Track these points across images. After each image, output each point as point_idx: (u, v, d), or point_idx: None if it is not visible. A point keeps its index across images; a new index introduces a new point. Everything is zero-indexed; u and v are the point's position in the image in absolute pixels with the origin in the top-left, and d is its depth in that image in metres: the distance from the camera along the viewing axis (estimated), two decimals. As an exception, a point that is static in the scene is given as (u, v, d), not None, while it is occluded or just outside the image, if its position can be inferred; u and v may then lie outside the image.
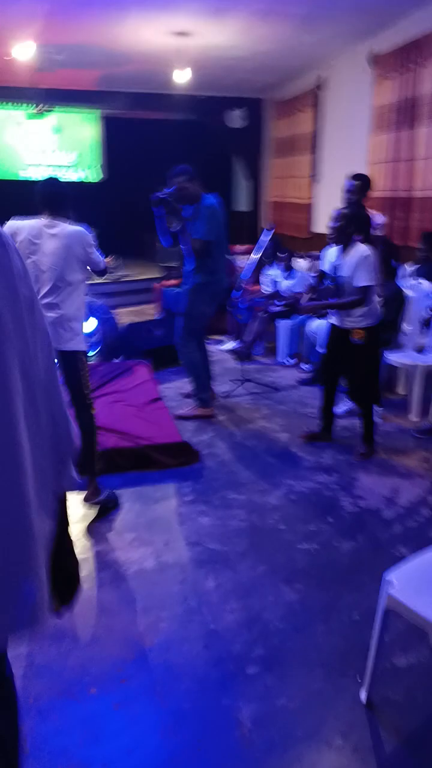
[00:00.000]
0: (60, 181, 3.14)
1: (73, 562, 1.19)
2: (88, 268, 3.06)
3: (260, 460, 3.58)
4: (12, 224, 3.00)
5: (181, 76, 8.26)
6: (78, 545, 2.67)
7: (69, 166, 11.31)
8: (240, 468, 3.44)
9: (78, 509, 3.01)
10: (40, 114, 9.45)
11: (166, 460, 3.43)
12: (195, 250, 3.94)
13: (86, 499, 3.01)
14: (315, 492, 3.16)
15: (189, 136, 10.85)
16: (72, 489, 1.11)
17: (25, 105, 9.75)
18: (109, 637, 2.10)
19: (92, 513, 2.96)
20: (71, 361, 2.99)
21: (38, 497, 0.95)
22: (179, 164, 4.03)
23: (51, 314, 2.94)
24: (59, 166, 11.13)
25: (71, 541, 1.18)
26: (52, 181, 3.12)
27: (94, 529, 2.82)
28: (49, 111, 9.30)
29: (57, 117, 10.66)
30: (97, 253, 3.09)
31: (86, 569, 2.49)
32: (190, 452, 3.51)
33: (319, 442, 3.75)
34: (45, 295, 2.96)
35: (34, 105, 9.17)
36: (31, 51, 7.52)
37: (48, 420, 0.99)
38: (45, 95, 9.32)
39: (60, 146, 11.16)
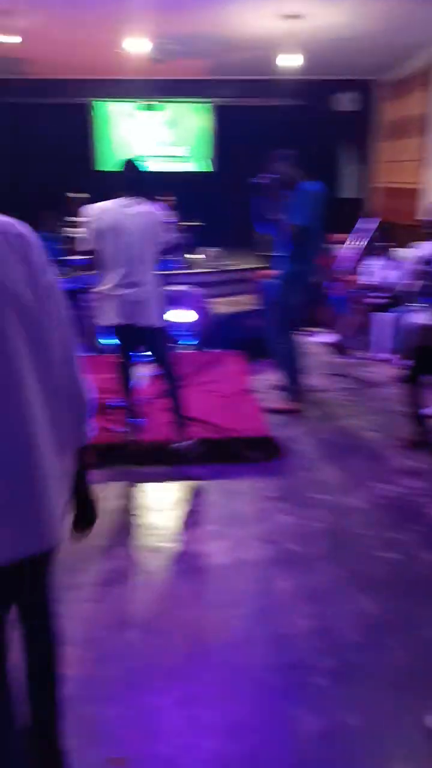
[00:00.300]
0: (137, 164, 3.24)
1: (90, 496, 1.49)
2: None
3: (347, 459, 3.44)
4: (92, 207, 3.15)
5: (289, 60, 8.07)
6: (156, 533, 2.73)
7: (181, 158, 11.50)
8: (325, 466, 3.34)
9: (157, 498, 3.07)
10: (152, 107, 9.64)
11: (251, 453, 3.39)
12: (288, 236, 3.85)
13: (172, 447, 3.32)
14: (401, 497, 3.00)
15: (296, 122, 10.62)
16: (86, 441, 1.35)
17: (137, 98, 10.00)
18: (178, 630, 2.11)
19: (169, 502, 3.00)
20: (154, 336, 3.24)
21: (57, 443, 1.22)
22: (281, 150, 3.96)
23: (131, 292, 3.11)
24: (171, 157, 11.34)
25: (88, 479, 1.45)
26: (130, 164, 3.22)
27: (172, 519, 2.85)
28: (161, 104, 9.46)
29: (169, 109, 10.84)
30: (171, 231, 3.21)
31: (162, 558, 2.53)
32: (276, 447, 3.45)
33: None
34: (125, 275, 3.10)
35: (147, 98, 9.38)
36: (143, 43, 7.68)
37: (65, 385, 1.23)
38: (157, 87, 9.51)
39: (172, 138, 11.36)
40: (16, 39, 7.15)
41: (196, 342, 5.36)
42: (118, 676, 1.92)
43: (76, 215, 9.40)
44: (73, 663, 1.95)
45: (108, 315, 3.20)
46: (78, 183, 10.15)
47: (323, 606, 2.21)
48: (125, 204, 3.11)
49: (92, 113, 11.10)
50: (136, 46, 7.78)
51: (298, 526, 2.74)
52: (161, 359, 3.35)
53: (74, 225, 8.42)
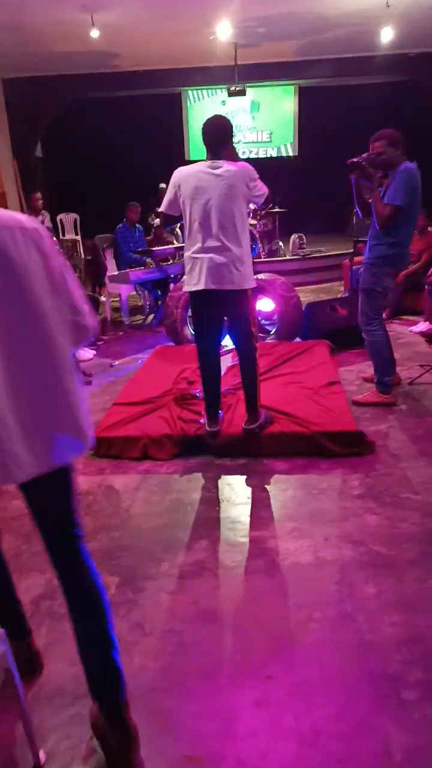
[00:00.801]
0: (221, 119, 3.16)
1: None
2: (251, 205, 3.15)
3: (443, 457, 3.21)
4: (179, 170, 3.13)
5: (388, 35, 7.67)
6: (236, 528, 2.67)
7: (265, 143, 11.32)
8: (418, 465, 3.13)
9: (238, 491, 3.00)
10: (240, 93, 9.52)
11: (337, 448, 3.25)
12: (380, 217, 3.63)
13: (244, 428, 3.30)
14: None
15: (395, 100, 10.12)
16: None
17: (225, 85, 9.91)
18: (257, 629, 2.04)
19: (250, 496, 2.93)
20: (238, 299, 3.16)
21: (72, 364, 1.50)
22: (382, 128, 3.74)
23: (219, 257, 3.07)
24: (256, 143, 11.20)
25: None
26: (213, 120, 3.14)
27: (253, 514, 2.78)
28: (246, 89, 9.31)
29: (254, 94, 10.68)
30: (260, 184, 3.13)
31: (241, 553, 2.47)
32: (364, 442, 3.28)
33: None
34: (213, 238, 3.06)
35: (235, 84, 9.26)
36: (231, 29, 7.57)
37: (70, 320, 1.49)
38: (245, 72, 9.37)
39: (256, 123, 11.21)
40: (103, 35, 7.27)
41: (280, 332, 5.24)
42: (197, 671, 1.88)
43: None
44: (151, 654, 1.95)
45: (194, 280, 3.15)
46: (171, 173, 10.31)
47: (412, 615, 2.05)
48: (210, 165, 3.05)
49: (183, 103, 11.16)
50: (224, 32, 7.70)
51: (386, 527, 2.58)
52: (243, 328, 3.22)
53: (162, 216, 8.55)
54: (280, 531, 2.60)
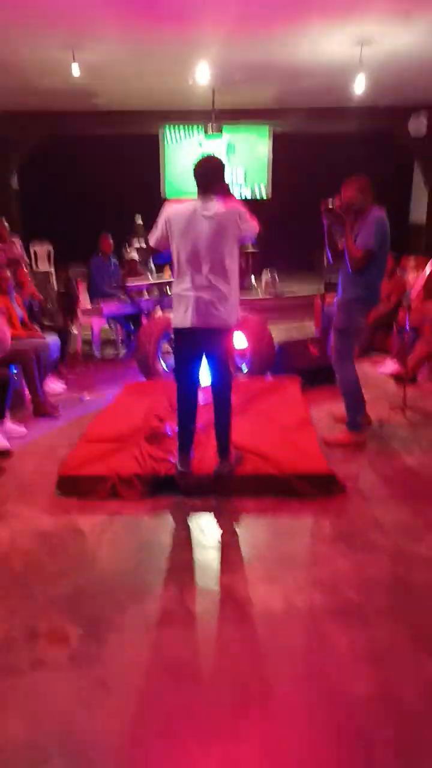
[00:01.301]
0: (213, 159, 3.19)
1: None
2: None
3: (413, 500, 3.20)
4: (169, 208, 3.15)
5: (360, 87, 7.99)
6: (206, 574, 2.60)
7: (239, 184, 11.56)
8: (390, 508, 3.12)
9: (207, 533, 2.94)
10: (216, 134, 9.75)
11: (308, 489, 3.22)
12: (353, 260, 3.71)
13: (216, 472, 3.29)
14: None
15: (367, 148, 10.50)
16: None
17: (201, 126, 10.16)
18: (226, 683, 1.96)
19: (219, 539, 2.87)
20: (221, 336, 3.19)
21: None
22: (353, 175, 3.86)
23: (206, 295, 3.10)
24: (230, 184, 11.42)
25: None
26: (205, 160, 3.17)
27: (224, 557, 2.71)
28: (223, 130, 9.56)
29: (231, 137, 10.96)
30: (251, 222, 3.16)
31: (210, 601, 2.40)
32: (336, 484, 3.26)
33: None
34: (201, 276, 3.08)
35: (210, 125, 9.50)
36: (209, 74, 7.80)
37: None
38: (222, 117, 9.63)
39: (231, 164, 11.46)
40: (84, 74, 7.41)
41: (253, 369, 5.24)
42: (162, 732, 1.78)
43: (141, 239, 9.54)
44: (114, 714, 1.85)
45: (181, 317, 3.16)
46: (147, 210, 10.43)
47: (383, 668, 2.00)
48: (201, 206, 3.07)
49: (161, 143, 11.37)
50: (203, 76, 7.92)
51: (357, 573, 2.54)
52: (222, 364, 3.25)
53: (139, 251, 8.59)
54: (251, 576, 2.54)
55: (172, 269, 3.28)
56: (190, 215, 3.07)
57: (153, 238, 3.23)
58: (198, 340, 3.20)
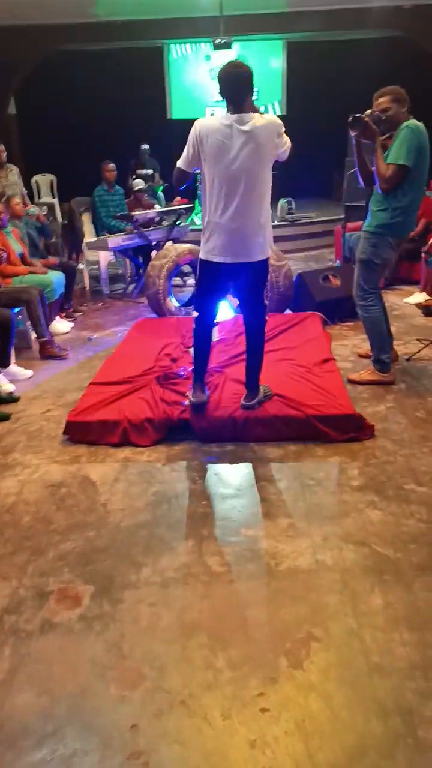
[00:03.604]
0: (243, 65, 2.78)
1: None
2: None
3: (448, 443, 2.97)
4: (200, 125, 2.79)
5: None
6: (226, 527, 2.42)
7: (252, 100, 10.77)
8: (421, 451, 2.88)
9: (226, 482, 2.74)
10: (226, 45, 8.92)
11: (333, 433, 3.00)
12: (382, 178, 3.29)
13: (243, 404, 3.13)
14: None
15: (389, 56, 9.60)
16: None
17: (210, 38, 9.31)
18: (251, 650, 1.79)
19: (239, 488, 2.67)
20: (260, 269, 2.98)
21: None
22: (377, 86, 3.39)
23: (245, 225, 2.83)
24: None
25: None
26: (234, 68, 2.76)
27: (244, 509, 2.52)
28: (232, 42, 8.72)
29: (241, 49, 10.09)
30: (286, 138, 2.87)
31: (230, 556, 2.21)
32: (364, 427, 3.02)
33: None
34: (239, 203, 2.80)
35: (220, 37, 8.68)
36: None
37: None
38: (231, 24, 8.77)
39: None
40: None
41: (270, 304, 4.92)
42: (182, 703, 1.63)
43: (147, 167, 9.02)
44: (129, 681, 1.71)
45: (216, 250, 2.89)
46: (152, 132, 9.76)
47: (425, 632, 1.82)
48: (237, 119, 2.72)
49: (165, 57, 10.54)
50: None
51: (390, 525, 2.34)
52: (258, 298, 3.06)
53: (144, 178, 8.08)
54: (274, 529, 2.35)
55: (202, 193, 2.93)
56: (225, 130, 2.72)
57: (182, 160, 2.86)
58: (232, 275, 2.98)
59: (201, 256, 2.99)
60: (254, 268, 2.96)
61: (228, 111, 2.77)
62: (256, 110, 2.83)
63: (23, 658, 1.83)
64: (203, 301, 3.13)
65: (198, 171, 2.91)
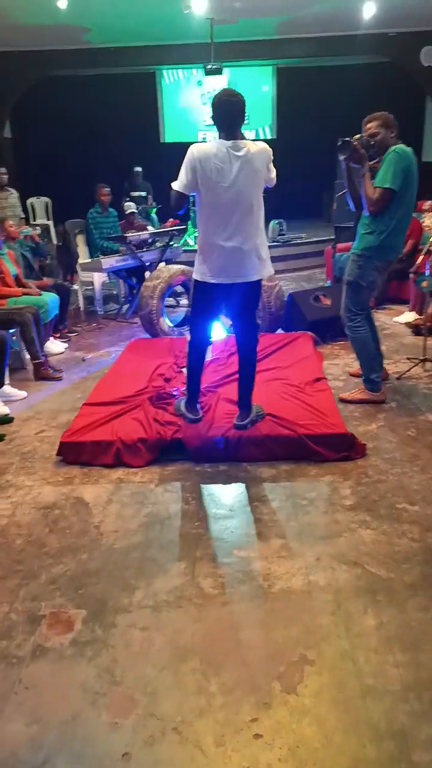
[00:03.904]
0: (238, 94, 2.86)
1: None
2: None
3: (440, 461, 2.99)
4: (197, 150, 2.83)
5: (370, 11, 7.36)
6: (219, 548, 2.41)
7: (243, 125, 10.95)
8: (414, 470, 2.90)
9: (219, 503, 2.74)
10: (217, 71, 9.10)
11: (325, 452, 3.01)
12: (369, 201, 3.35)
13: (236, 424, 3.12)
14: None
15: (376, 81, 9.82)
16: None
17: (201, 63, 9.50)
18: (244, 673, 1.78)
19: (231, 509, 2.67)
20: (255, 289, 3.05)
21: None
22: (364, 111, 3.46)
23: (242, 246, 2.89)
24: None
25: None
26: (229, 96, 2.83)
27: (237, 530, 2.52)
28: (222, 68, 8.90)
29: (232, 74, 10.30)
30: (273, 167, 2.95)
31: (223, 578, 2.21)
32: (355, 446, 3.04)
33: None
34: (234, 225, 2.86)
35: (211, 63, 8.85)
36: (207, 2, 7.20)
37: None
38: (222, 50, 8.96)
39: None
40: (71, 6, 6.85)
41: (262, 323, 4.95)
42: (174, 730, 1.62)
43: (140, 189, 9.11)
44: (122, 707, 1.69)
45: (212, 271, 2.93)
46: (145, 155, 9.89)
47: (420, 653, 1.82)
48: (232, 146, 2.79)
49: (157, 82, 10.73)
50: (199, 6, 7.31)
51: (382, 545, 2.34)
52: (251, 318, 3.11)
53: (137, 200, 8.17)
54: (267, 550, 2.35)
55: (198, 216, 2.97)
56: (222, 155, 2.78)
57: (180, 184, 2.89)
58: (228, 294, 3.02)
59: (196, 277, 3.02)
60: (248, 288, 3.01)
61: (220, 137, 2.84)
62: (243, 137, 2.90)
63: (14, 684, 1.81)
64: (198, 322, 3.16)
65: (193, 194, 2.96)
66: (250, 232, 2.89)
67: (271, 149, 2.92)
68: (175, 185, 2.90)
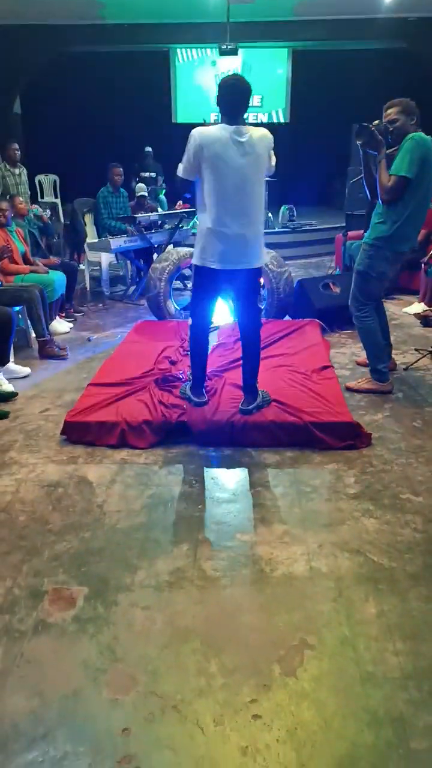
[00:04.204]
0: (245, 82, 2.86)
1: None
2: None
3: (445, 453, 2.98)
4: (200, 134, 2.81)
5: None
6: (221, 531, 2.42)
7: (256, 108, 10.82)
8: (418, 461, 2.89)
9: (223, 486, 2.74)
10: (232, 51, 8.95)
11: (330, 440, 3.00)
12: (383, 188, 3.30)
13: (242, 409, 3.13)
14: None
15: (392, 67, 9.67)
16: None
17: (216, 44, 9.36)
18: (244, 655, 1.79)
19: (235, 493, 2.67)
20: (256, 275, 3.06)
21: None
22: (388, 97, 3.41)
23: (244, 232, 2.88)
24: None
25: None
26: (236, 82, 2.83)
27: (240, 514, 2.52)
28: (238, 49, 8.76)
29: (246, 56, 10.15)
30: (273, 154, 2.97)
31: (225, 561, 2.21)
32: (361, 435, 3.03)
33: None
34: (237, 211, 2.85)
35: (226, 43, 8.72)
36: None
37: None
38: (237, 31, 8.82)
39: (248, 86, 10.68)
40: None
41: (270, 309, 4.93)
42: (174, 708, 1.63)
43: (150, 170, 9.04)
44: (122, 684, 1.70)
45: (214, 257, 2.91)
46: (157, 136, 9.77)
47: (421, 642, 1.82)
48: (234, 131, 2.78)
49: (171, 61, 10.59)
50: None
51: (386, 534, 2.34)
52: (253, 304, 3.10)
53: (146, 180, 8.09)
54: (270, 535, 2.35)
55: (199, 201, 2.95)
56: (224, 141, 2.77)
57: (183, 169, 2.90)
58: (228, 280, 3.02)
59: (196, 262, 3.01)
60: (252, 274, 3.01)
61: (223, 121, 2.83)
62: (246, 123, 2.90)
63: (16, 658, 1.82)
64: (199, 306, 3.16)
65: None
66: (253, 218, 2.88)
67: (272, 136, 2.90)
68: (179, 170, 2.91)
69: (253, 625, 1.91)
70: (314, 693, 1.66)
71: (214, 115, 10.57)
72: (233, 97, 2.80)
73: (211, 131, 2.80)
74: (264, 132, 2.87)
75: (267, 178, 3.00)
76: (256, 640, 1.85)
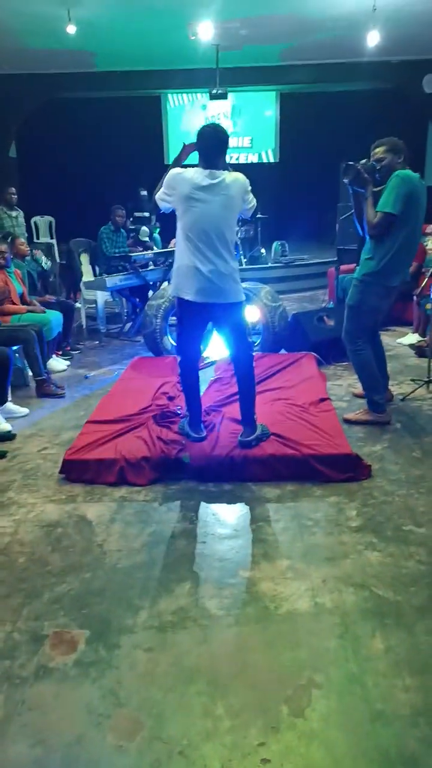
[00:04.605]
0: (222, 131, 3.02)
1: None
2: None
3: (445, 483, 2.98)
4: (176, 174, 2.98)
5: (373, 40, 7.51)
6: (224, 568, 2.39)
7: (246, 148, 11.12)
8: (420, 492, 2.89)
9: (224, 522, 2.72)
10: (221, 96, 9.26)
11: (331, 473, 3.00)
12: (369, 225, 3.38)
13: (240, 441, 3.15)
14: None
15: (379, 107, 10.00)
16: None
17: (206, 89, 9.68)
18: (251, 697, 1.76)
19: (236, 528, 2.66)
20: (238, 310, 3.11)
21: None
22: (376, 136, 3.53)
23: (217, 269, 2.96)
24: (237, 149, 10.99)
25: None
26: (213, 130, 3.00)
27: (242, 550, 2.50)
28: (227, 93, 9.05)
29: (236, 99, 10.48)
30: (251, 196, 3.08)
31: (228, 598, 2.19)
32: (361, 467, 3.03)
33: None
34: (209, 249, 2.94)
35: (216, 87, 9.02)
36: (213, 29, 7.36)
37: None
38: (227, 76, 9.13)
39: (238, 128, 11.01)
40: (80, 32, 7.00)
41: (265, 343, 4.98)
42: (181, 753, 1.59)
43: (145, 210, 9.22)
44: (127, 730, 1.66)
45: (190, 290, 3.00)
46: (149, 177, 10.01)
47: (427, 676, 1.79)
48: (209, 174, 2.92)
49: (163, 106, 10.91)
50: (206, 32, 7.47)
51: (389, 567, 2.32)
52: (242, 338, 3.14)
53: (141, 220, 8.25)
54: (273, 571, 2.33)
55: (177, 236, 3.06)
56: (197, 183, 2.92)
57: (159, 196, 3.07)
58: (208, 314, 3.10)
59: (172, 293, 3.13)
60: (231, 309, 3.07)
61: (200, 165, 2.98)
62: (227, 167, 3.04)
63: (17, 705, 1.78)
64: (184, 341, 3.23)
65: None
66: (224, 256, 2.98)
67: (247, 180, 3.03)
68: (156, 196, 3.08)
69: (258, 664, 1.88)
70: (323, 733, 1.62)
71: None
72: (208, 143, 2.96)
73: (187, 172, 2.97)
74: (238, 176, 3.01)
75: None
76: (263, 680, 1.82)
